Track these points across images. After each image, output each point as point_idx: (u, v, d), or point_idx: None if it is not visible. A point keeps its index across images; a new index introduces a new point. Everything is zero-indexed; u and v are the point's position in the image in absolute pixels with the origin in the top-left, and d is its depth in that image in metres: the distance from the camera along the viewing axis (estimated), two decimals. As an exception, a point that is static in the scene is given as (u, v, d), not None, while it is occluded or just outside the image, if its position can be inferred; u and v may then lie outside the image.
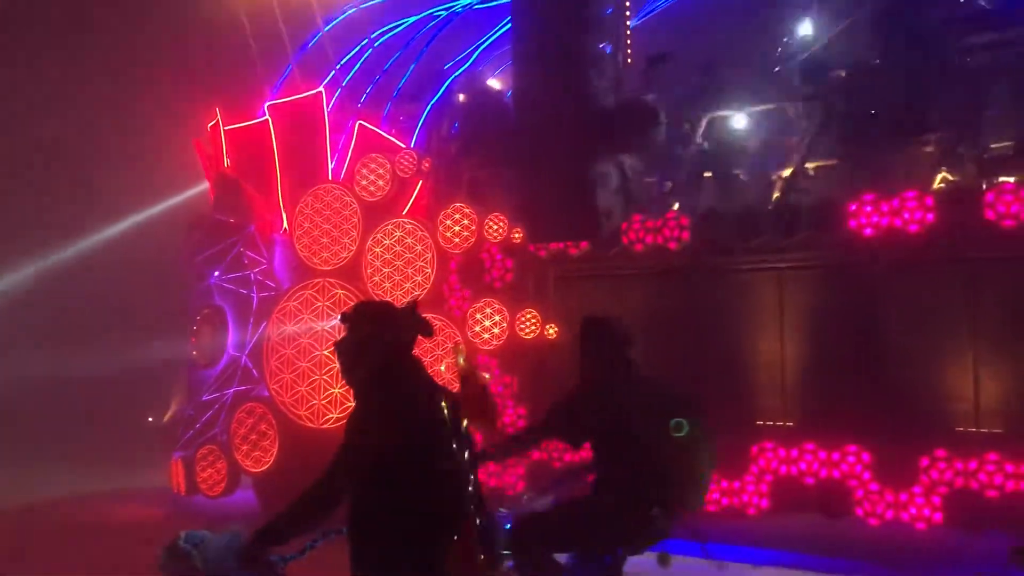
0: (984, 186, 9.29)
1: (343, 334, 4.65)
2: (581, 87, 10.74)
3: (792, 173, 11.02)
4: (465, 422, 4.53)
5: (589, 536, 5.29)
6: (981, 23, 9.64)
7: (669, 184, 11.81)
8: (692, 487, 5.24)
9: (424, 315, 4.64)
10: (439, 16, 13.87)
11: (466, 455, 4.40)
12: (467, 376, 4.81)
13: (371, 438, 4.31)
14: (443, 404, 4.38)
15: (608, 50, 11.24)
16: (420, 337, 4.59)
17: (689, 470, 5.19)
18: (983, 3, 9.84)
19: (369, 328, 4.51)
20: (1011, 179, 9.05)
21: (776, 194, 11.12)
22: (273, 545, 4.42)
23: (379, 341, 4.46)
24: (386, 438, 4.25)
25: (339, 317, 4.68)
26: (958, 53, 9.58)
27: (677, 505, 5.20)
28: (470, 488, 4.32)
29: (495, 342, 11.66)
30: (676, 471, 5.14)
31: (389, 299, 12.36)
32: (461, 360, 4.82)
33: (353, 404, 4.62)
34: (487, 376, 5.02)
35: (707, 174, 11.89)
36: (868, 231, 9.70)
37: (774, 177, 11.23)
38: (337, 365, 4.72)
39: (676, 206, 12.11)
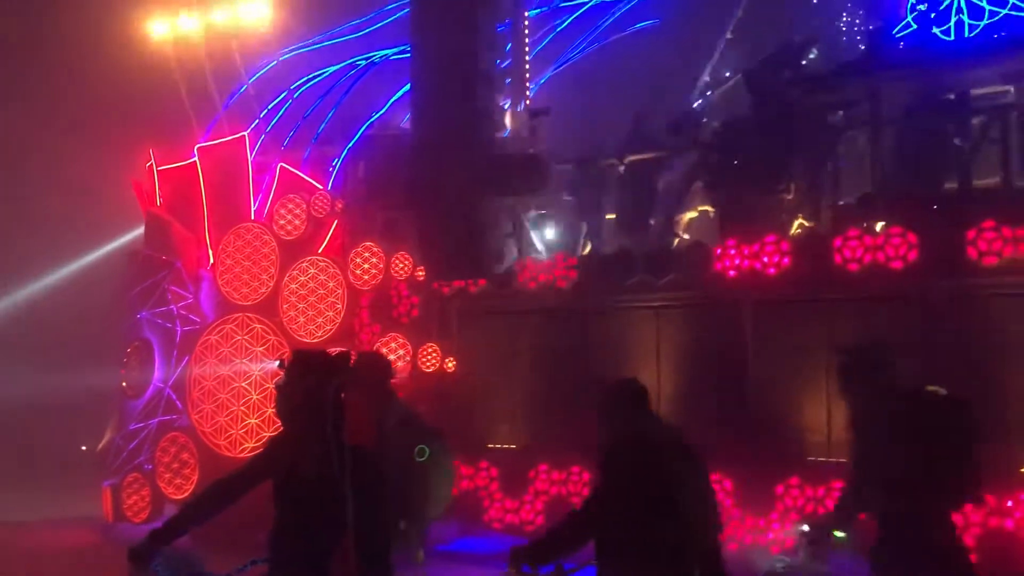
0: (833, 233, 10.01)
1: (282, 378, 5.08)
2: (475, 138, 11.49)
3: (668, 218, 11.77)
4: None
5: None
6: (822, 83, 10.43)
7: (558, 226, 12.53)
8: (432, 502, 6.02)
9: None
10: (359, 65, 14.64)
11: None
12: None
13: (287, 459, 4.90)
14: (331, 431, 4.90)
15: (506, 103, 11.99)
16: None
17: (427, 488, 5.99)
18: (826, 65, 10.63)
19: (303, 373, 4.99)
20: (857, 227, 9.76)
21: (672, 235, 11.85)
22: (163, 543, 4.99)
23: (311, 385, 4.93)
24: (299, 460, 4.84)
25: (277, 363, 5.14)
26: (811, 111, 10.35)
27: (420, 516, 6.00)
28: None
29: (401, 375, 12.26)
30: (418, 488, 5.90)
31: (304, 333, 13.05)
32: None
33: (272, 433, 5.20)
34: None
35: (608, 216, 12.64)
36: (732, 273, 10.42)
37: (652, 221, 11.96)
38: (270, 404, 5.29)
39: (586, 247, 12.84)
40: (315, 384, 5.00)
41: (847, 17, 11.19)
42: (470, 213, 11.39)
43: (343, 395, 5.01)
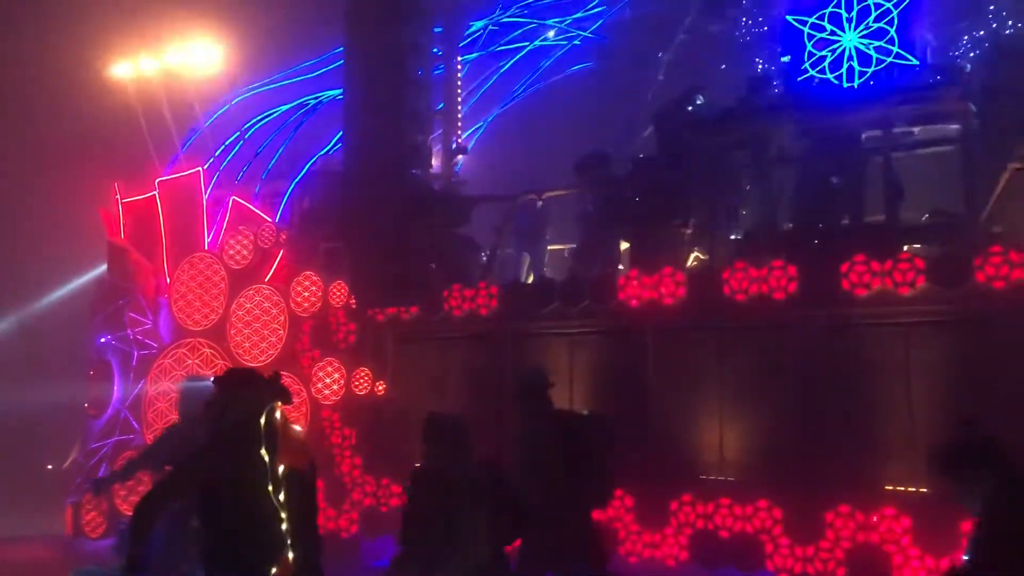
0: (723, 265, 10.71)
1: (215, 393, 5.44)
2: (401, 174, 12.27)
3: (581, 249, 12.47)
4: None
5: None
6: (705, 126, 11.16)
7: (485, 254, 13.26)
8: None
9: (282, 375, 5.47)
10: (309, 104, 15.50)
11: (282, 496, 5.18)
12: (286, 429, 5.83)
13: (222, 474, 5.13)
14: (266, 453, 5.17)
15: (436, 139, 12.79)
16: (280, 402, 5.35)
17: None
18: (717, 108, 11.37)
19: (234, 390, 5.37)
20: (744, 260, 10.45)
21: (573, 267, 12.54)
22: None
23: (241, 400, 5.28)
24: (233, 477, 5.11)
25: (212, 379, 5.55)
26: (706, 151, 11.08)
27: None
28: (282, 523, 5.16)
29: (334, 398, 12.99)
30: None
31: (249, 357, 13.78)
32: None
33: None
34: (299, 428, 6.08)
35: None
36: (634, 302, 11.11)
37: (566, 253, 12.66)
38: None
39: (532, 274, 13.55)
40: (251, 402, 5.23)
41: (762, 64, 11.94)
42: (396, 244, 12.12)
43: (276, 416, 5.25)
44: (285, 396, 5.38)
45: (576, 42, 15.96)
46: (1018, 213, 9.68)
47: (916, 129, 10.88)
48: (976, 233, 9.91)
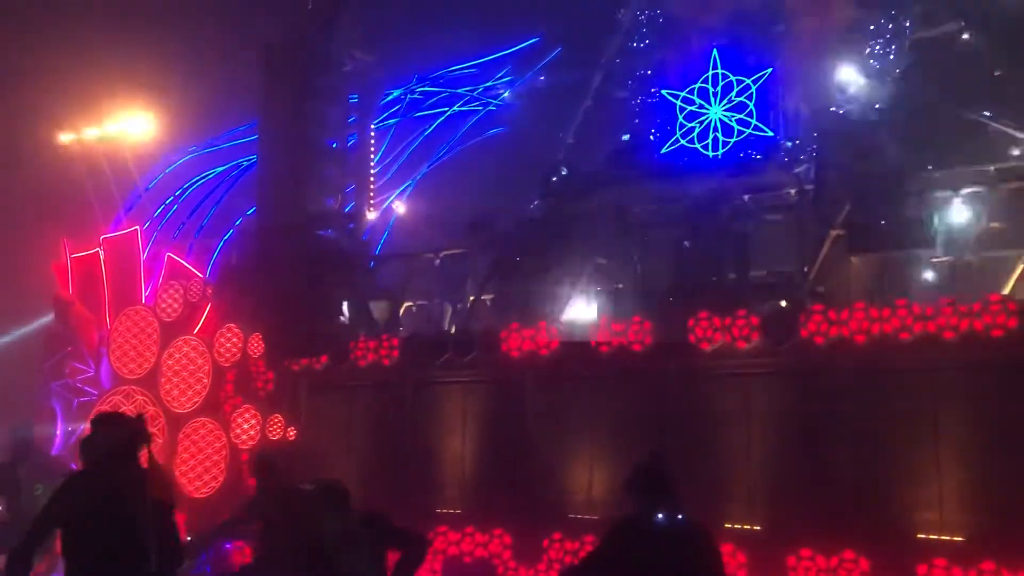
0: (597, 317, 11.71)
1: (90, 432, 6.20)
2: (304, 236, 13.34)
3: (471, 304, 13.48)
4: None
5: None
6: (561, 197, 12.29)
7: (384, 306, 14.24)
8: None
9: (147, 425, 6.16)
10: (242, 166, 16.65)
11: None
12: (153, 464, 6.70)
13: (90, 505, 5.76)
14: (128, 483, 5.85)
15: (349, 205, 13.90)
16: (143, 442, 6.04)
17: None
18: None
19: (102, 429, 6.14)
20: (607, 314, 11.44)
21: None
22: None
23: (105, 440, 6.00)
24: (73, 510, 5.78)
25: (89, 421, 6.58)
26: (571, 217, 12.14)
27: None
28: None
29: (251, 443, 13.91)
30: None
31: (177, 404, 14.72)
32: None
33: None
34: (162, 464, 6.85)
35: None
36: (515, 353, 12.07)
37: (459, 307, 13.66)
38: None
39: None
40: (114, 441, 5.95)
41: (656, 133, 12.99)
42: (302, 299, 13.16)
43: (143, 452, 5.93)
44: (145, 436, 6.08)
45: (491, 107, 17.17)
46: (838, 275, 10.66)
47: (762, 196, 11.90)
48: (803, 293, 10.88)
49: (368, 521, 6.61)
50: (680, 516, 5.63)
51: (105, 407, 15.44)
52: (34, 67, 17.52)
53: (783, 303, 10.72)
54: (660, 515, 5.58)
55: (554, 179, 12.35)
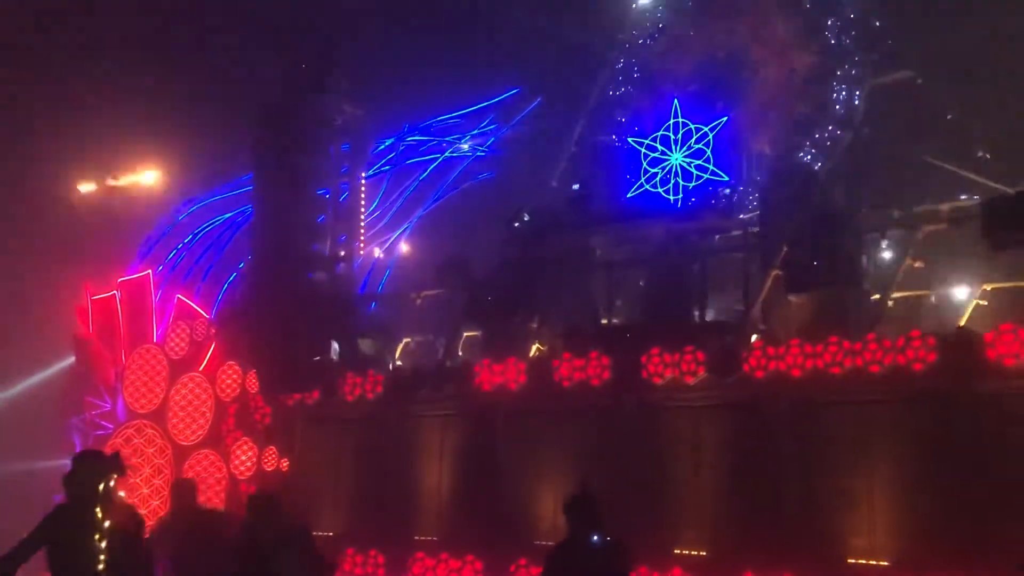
0: (552, 356, 12.41)
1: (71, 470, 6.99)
2: (294, 280, 14.29)
3: (448, 342, 14.24)
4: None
5: None
6: (525, 243, 13.06)
7: (370, 343, 15.04)
8: None
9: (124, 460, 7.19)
10: (247, 213, 17.70)
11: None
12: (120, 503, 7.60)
13: (69, 534, 6.66)
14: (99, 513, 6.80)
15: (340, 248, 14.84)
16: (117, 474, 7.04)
17: None
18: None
19: (81, 467, 6.95)
20: (569, 351, 12.13)
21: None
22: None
23: (83, 473, 6.86)
24: (55, 534, 6.64)
25: (71, 459, 7.57)
26: (533, 260, 12.89)
27: None
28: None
29: (248, 473, 14.78)
30: None
31: (183, 437, 15.67)
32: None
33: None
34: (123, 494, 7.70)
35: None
36: (487, 387, 12.80)
37: (439, 344, 14.43)
38: None
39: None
40: (91, 475, 7.10)
41: (629, 177, 13.71)
42: (292, 337, 14.08)
43: (112, 486, 7.31)
44: (120, 469, 7.08)
45: (480, 152, 18.11)
46: (779, 313, 11.25)
47: (715, 238, 12.54)
48: (747, 330, 11.48)
49: (296, 536, 7.44)
50: (608, 537, 6.60)
51: (118, 440, 16.48)
52: (54, 122, 18.92)
53: (728, 340, 11.32)
54: (593, 536, 6.55)
55: (516, 224, 13.15)
